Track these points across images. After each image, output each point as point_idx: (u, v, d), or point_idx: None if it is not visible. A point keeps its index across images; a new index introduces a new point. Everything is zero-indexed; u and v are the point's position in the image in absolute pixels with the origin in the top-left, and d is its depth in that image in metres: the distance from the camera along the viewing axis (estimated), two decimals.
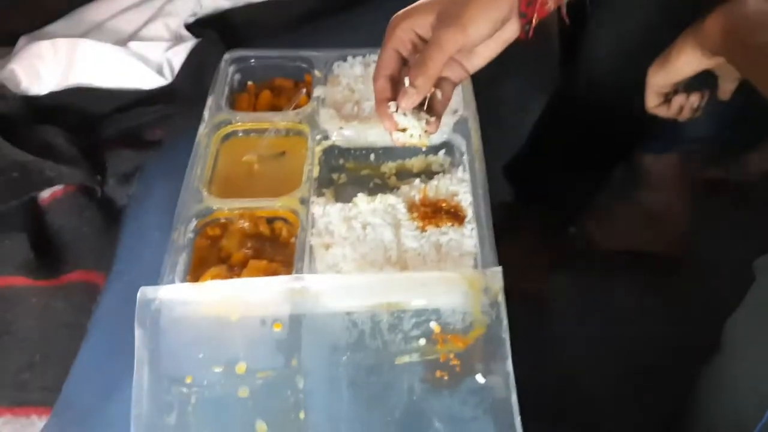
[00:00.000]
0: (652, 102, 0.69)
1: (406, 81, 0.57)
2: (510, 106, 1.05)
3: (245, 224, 0.66)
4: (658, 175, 0.98)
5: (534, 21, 0.58)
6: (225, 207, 0.66)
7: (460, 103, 0.75)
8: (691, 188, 0.98)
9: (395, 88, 0.59)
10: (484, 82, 0.73)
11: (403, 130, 0.60)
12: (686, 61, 0.63)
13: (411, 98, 0.57)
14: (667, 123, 0.89)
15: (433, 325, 0.57)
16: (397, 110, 0.58)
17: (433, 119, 0.60)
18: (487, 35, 0.57)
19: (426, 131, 0.60)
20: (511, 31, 0.59)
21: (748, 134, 0.97)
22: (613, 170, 0.94)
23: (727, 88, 0.67)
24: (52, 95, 0.81)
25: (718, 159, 1.00)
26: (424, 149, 0.73)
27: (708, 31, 0.59)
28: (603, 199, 0.97)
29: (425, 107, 0.60)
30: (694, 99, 0.68)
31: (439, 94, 0.61)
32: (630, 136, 0.91)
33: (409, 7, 0.59)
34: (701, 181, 0.99)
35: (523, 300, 0.65)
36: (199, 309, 0.57)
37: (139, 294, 0.56)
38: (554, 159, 0.94)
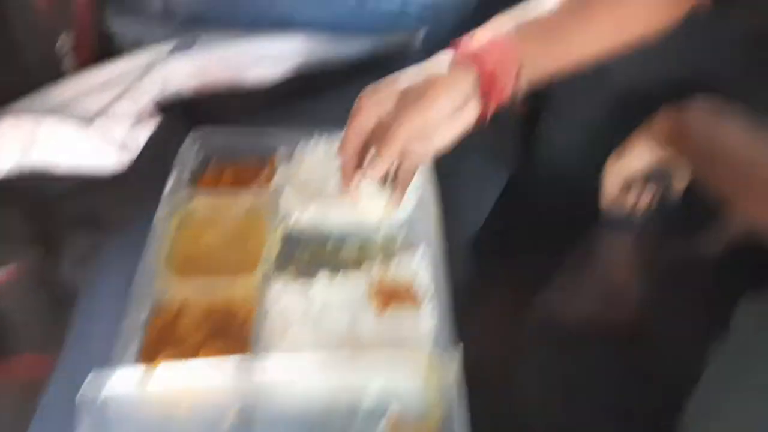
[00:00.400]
0: (608, 196, 0.71)
1: (372, 151, 0.60)
2: (471, 184, 1.06)
3: (202, 305, 0.65)
4: (617, 252, 0.99)
5: (493, 103, 0.61)
6: (182, 287, 0.66)
7: (420, 182, 0.76)
8: (649, 264, 1.00)
9: (360, 161, 0.62)
10: (445, 160, 0.75)
11: (366, 202, 0.61)
12: (639, 155, 0.66)
13: (376, 168, 0.60)
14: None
15: (390, 408, 0.57)
16: (361, 181, 0.60)
17: (395, 193, 0.62)
18: (449, 110, 0.60)
19: (388, 205, 0.61)
20: (473, 113, 0.62)
21: (702, 214, 0.99)
22: (574, 247, 0.95)
23: (679, 185, 0.70)
24: (10, 174, 0.80)
25: (675, 236, 1.02)
26: (383, 230, 0.74)
27: (658, 129, 0.62)
28: (564, 276, 0.98)
29: (388, 182, 0.62)
30: (646, 196, 0.71)
31: (402, 169, 0.62)
32: (589, 216, 0.93)
33: (375, 85, 0.62)
34: (658, 257, 1.00)
35: (483, 379, 0.65)
36: (148, 396, 0.55)
37: (85, 383, 0.54)
38: (515, 236, 0.95)
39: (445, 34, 0.99)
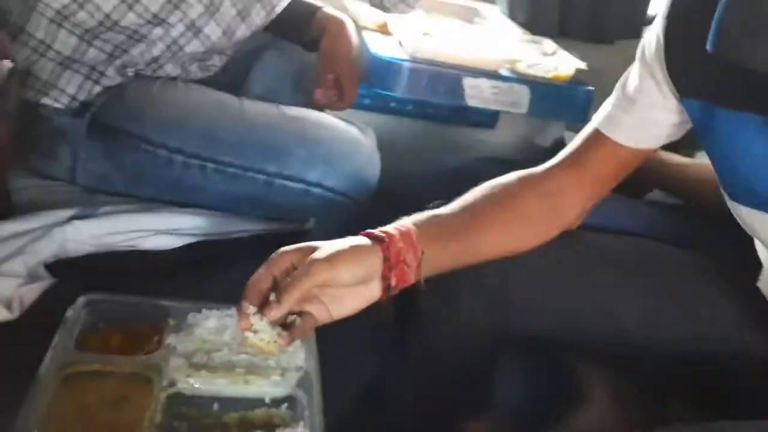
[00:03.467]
0: None
1: (272, 296, 0.66)
2: (351, 361, 1.11)
3: None
4: None
5: (394, 285, 0.69)
6: None
7: (303, 359, 0.80)
8: None
9: (262, 301, 0.67)
10: (329, 334, 0.80)
11: (255, 332, 0.65)
12: None
13: (273, 311, 0.65)
14: (485, 390, 1.00)
15: None
16: (256, 314, 0.66)
17: (285, 333, 0.67)
18: (351, 279, 0.68)
19: (276, 341, 0.66)
20: (375, 291, 0.70)
21: (555, 409, 1.08)
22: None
23: None
24: None
25: (526, 428, 1.09)
26: (265, 403, 0.76)
27: None
28: None
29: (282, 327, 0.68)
30: None
31: (298, 321, 0.68)
32: (454, 403, 0.99)
33: (292, 245, 0.70)
34: None
35: None
36: None
37: None
38: (392, 415, 0.98)
39: (335, 229, 1.09)
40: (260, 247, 1.06)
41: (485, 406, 1.05)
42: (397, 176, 1.26)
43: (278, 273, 0.68)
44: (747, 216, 0.73)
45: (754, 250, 0.82)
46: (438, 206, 1.04)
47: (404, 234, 0.71)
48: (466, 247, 0.76)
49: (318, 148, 1.07)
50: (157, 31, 0.99)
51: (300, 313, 0.69)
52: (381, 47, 1.26)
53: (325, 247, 0.69)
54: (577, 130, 1.58)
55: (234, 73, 1.24)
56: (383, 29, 1.35)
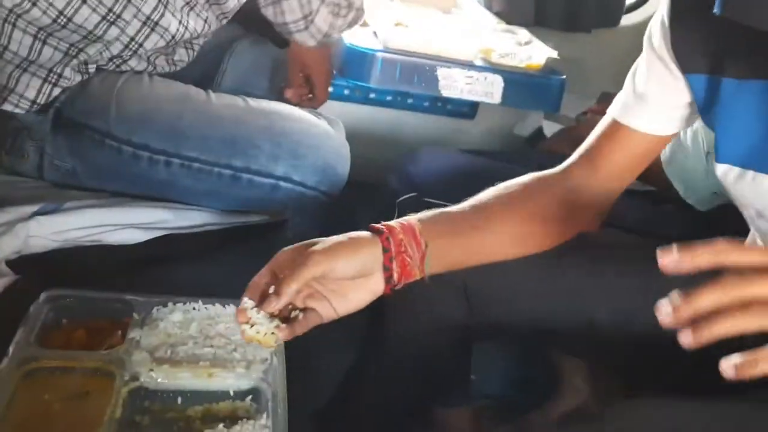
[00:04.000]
0: None
1: (271, 289, 0.65)
2: (322, 356, 1.10)
3: None
4: (453, 428, 1.04)
5: (397, 278, 0.69)
6: None
7: (269, 351, 0.79)
8: None
9: (261, 296, 0.67)
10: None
11: (253, 325, 0.65)
12: None
13: (272, 303, 0.65)
14: (463, 380, 0.99)
15: None
16: (254, 308, 0.65)
17: (284, 326, 0.66)
18: (350, 271, 0.68)
19: (273, 333, 0.66)
20: (378, 284, 0.70)
21: (533, 396, 1.08)
22: (416, 422, 0.99)
23: None
24: None
25: (507, 416, 1.09)
26: (229, 397, 0.76)
27: None
28: None
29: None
30: None
31: (300, 316, 0.68)
32: (430, 394, 0.99)
33: (292, 245, 0.69)
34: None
35: None
36: None
37: None
38: (364, 408, 0.98)
39: (309, 221, 1.09)
40: (229, 240, 1.07)
41: (464, 396, 1.05)
42: (377, 167, 1.26)
43: (278, 269, 0.68)
44: (750, 185, 0.70)
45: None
46: (407, 201, 1.04)
47: (406, 227, 0.71)
48: (475, 245, 0.75)
49: (285, 142, 1.05)
50: (113, 31, 0.98)
51: (304, 310, 0.69)
52: (356, 38, 1.26)
53: (325, 241, 0.68)
54: (554, 120, 1.60)
55: (205, 66, 1.23)
56: None
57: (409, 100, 1.75)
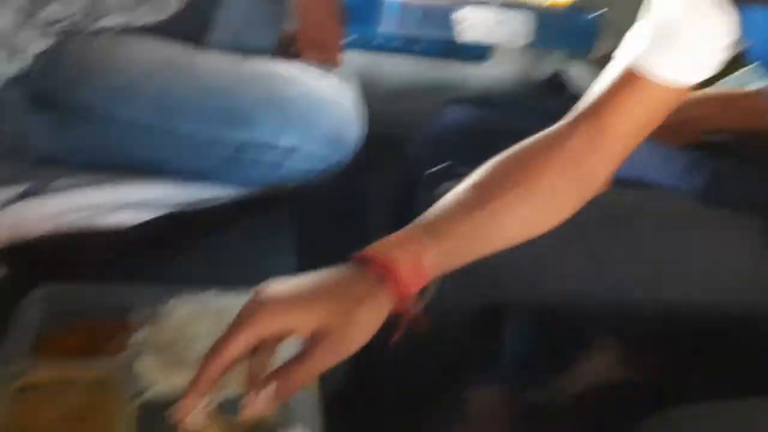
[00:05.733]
0: None
1: (264, 393, 0.50)
2: None
3: None
4: (480, 408, 0.99)
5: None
6: None
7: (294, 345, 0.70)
8: (514, 414, 1.00)
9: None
10: None
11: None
12: None
13: (254, 409, 0.50)
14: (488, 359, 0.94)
15: None
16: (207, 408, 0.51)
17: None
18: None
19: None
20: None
21: (560, 357, 1.02)
22: (441, 405, 0.93)
23: None
24: None
25: (536, 382, 1.04)
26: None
27: None
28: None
29: None
30: None
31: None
32: (454, 374, 0.92)
33: (286, 292, 0.53)
34: (523, 405, 1.02)
35: None
36: None
37: None
38: (382, 389, 0.91)
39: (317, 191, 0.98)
40: (237, 217, 0.96)
41: (491, 375, 0.99)
42: (385, 124, 1.15)
43: (264, 337, 0.52)
44: None
45: None
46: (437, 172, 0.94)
47: (412, 264, 0.57)
48: (476, 241, 0.64)
49: (291, 110, 0.93)
50: None
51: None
52: None
53: (335, 314, 0.53)
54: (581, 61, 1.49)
55: (194, 17, 1.09)
56: None
57: (417, 45, 1.63)
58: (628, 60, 0.67)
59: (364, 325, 0.54)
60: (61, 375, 0.65)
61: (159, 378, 0.66)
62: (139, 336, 0.70)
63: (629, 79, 0.67)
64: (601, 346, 1.12)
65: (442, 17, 1.09)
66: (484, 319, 0.88)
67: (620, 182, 0.76)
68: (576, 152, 0.68)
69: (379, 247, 0.58)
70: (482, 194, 0.65)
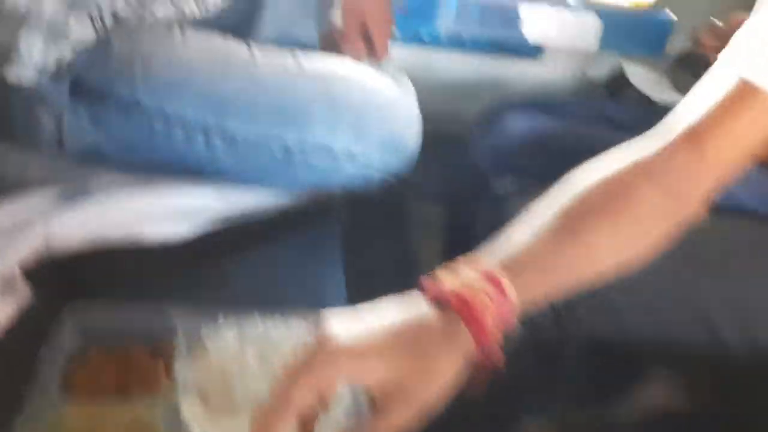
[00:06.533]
0: None
1: None
2: None
3: None
4: None
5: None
6: None
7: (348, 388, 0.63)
8: None
9: None
10: None
11: None
12: None
13: None
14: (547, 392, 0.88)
15: None
16: None
17: None
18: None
19: None
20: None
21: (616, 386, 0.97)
22: None
23: None
24: None
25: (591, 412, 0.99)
26: None
27: None
28: None
29: None
30: None
31: None
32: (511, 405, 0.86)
33: (355, 339, 0.47)
34: None
35: None
36: None
37: None
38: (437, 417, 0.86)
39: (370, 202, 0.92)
40: (281, 230, 0.89)
41: (548, 409, 0.93)
42: (437, 123, 1.07)
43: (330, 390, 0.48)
44: None
45: None
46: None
47: (503, 317, 0.51)
48: (564, 276, 0.56)
49: (347, 111, 0.88)
50: None
51: None
52: None
53: (410, 371, 0.47)
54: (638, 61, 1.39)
55: (241, 12, 1.03)
56: None
57: (464, 41, 1.54)
58: (740, 70, 0.59)
59: (442, 378, 0.49)
60: (94, 417, 0.59)
61: (208, 427, 0.59)
62: (180, 371, 0.63)
63: (743, 94, 0.58)
64: (658, 376, 1.06)
65: (501, 15, 1.01)
66: (543, 351, 0.82)
67: (716, 209, 0.67)
68: (674, 179, 0.61)
69: (454, 281, 0.51)
70: (573, 224, 0.57)
